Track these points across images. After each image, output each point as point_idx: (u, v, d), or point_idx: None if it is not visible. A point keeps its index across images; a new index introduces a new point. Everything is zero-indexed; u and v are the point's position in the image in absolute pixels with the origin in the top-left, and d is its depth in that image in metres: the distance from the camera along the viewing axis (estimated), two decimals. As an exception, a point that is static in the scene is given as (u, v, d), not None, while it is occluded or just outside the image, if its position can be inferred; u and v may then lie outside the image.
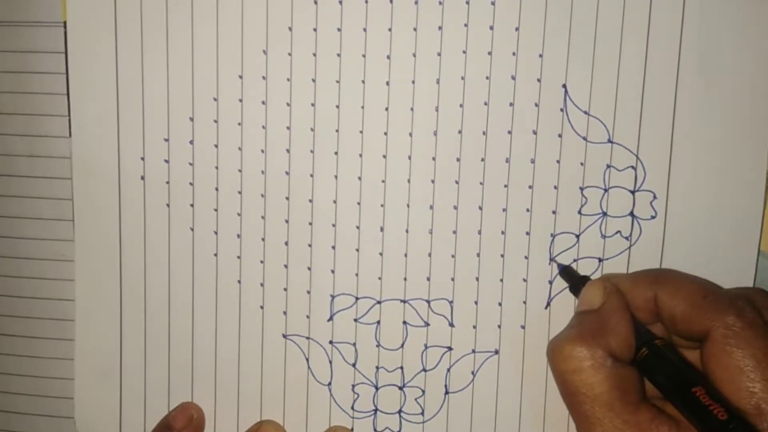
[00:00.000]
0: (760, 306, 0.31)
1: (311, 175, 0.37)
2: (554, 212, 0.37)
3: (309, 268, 0.38)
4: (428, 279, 0.38)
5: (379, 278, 0.38)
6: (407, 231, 0.38)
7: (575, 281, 0.36)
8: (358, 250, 0.38)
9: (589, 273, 0.37)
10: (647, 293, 0.33)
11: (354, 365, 0.39)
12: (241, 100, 0.37)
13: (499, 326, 0.38)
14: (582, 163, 0.36)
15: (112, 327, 0.39)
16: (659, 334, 0.33)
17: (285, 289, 0.38)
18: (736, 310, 0.30)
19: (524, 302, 0.38)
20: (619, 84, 0.36)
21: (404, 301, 0.38)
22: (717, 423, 0.29)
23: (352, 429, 0.39)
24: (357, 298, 0.38)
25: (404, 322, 0.38)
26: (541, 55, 0.36)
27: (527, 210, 0.37)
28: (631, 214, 0.37)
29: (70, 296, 0.39)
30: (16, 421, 0.40)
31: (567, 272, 0.37)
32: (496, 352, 0.38)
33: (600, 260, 0.37)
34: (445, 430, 0.39)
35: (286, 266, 0.38)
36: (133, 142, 0.38)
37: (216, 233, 0.38)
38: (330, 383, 0.39)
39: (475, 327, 0.38)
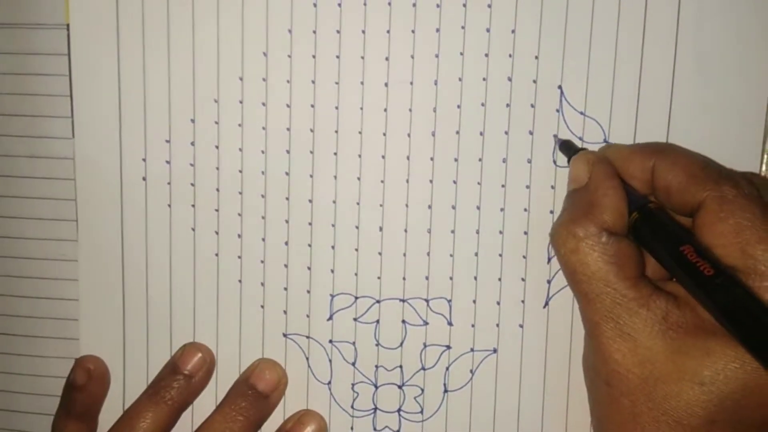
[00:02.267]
0: (758, 183, 0.31)
1: (311, 176, 0.38)
2: (551, 212, 0.37)
3: (309, 268, 0.38)
4: (427, 278, 0.38)
5: (378, 278, 0.38)
6: (406, 231, 0.38)
7: (572, 153, 0.35)
8: (357, 249, 0.38)
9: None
10: (646, 162, 0.32)
11: (353, 364, 0.39)
12: (241, 102, 0.38)
13: (498, 325, 0.38)
14: (579, 163, 0.37)
15: (115, 326, 0.39)
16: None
17: (285, 289, 0.39)
18: (732, 181, 0.30)
19: (522, 301, 0.38)
20: (614, 84, 0.36)
21: (403, 301, 0.38)
22: (703, 279, 0.28)
23: (352, 428, 0.39)
24: (356, 298, 0.38)
25: (403, 322, 0.38)
26: (536, 57, 0.36)
27: (525, 210, 0.37)
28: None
29: (72, 296, 0.39)
30: (19, 420, 0.40)
31: (566, 146, 0.36)
32: (495, 350, 0.38)
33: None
34: (444, 429, 0.39)
35: (286, 266, 0.38)
36: (134, 143, 0.38)
37: (217, 233, 0.39)
38: (330, 382, 0.39)
39: (473, 326, 0.38)
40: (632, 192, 0.32)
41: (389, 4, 0.36)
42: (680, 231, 0.31)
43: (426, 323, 0.38)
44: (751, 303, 0.27)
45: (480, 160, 0.37)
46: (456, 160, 0.37)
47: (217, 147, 0.38)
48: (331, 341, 0.39)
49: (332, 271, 0.38)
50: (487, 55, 0.36)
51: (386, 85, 0.37)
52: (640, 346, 0.30)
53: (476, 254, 0.38)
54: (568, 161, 0.35)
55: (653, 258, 0.32)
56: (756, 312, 0.27)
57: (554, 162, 0.37)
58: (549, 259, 0.37)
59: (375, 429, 0.39)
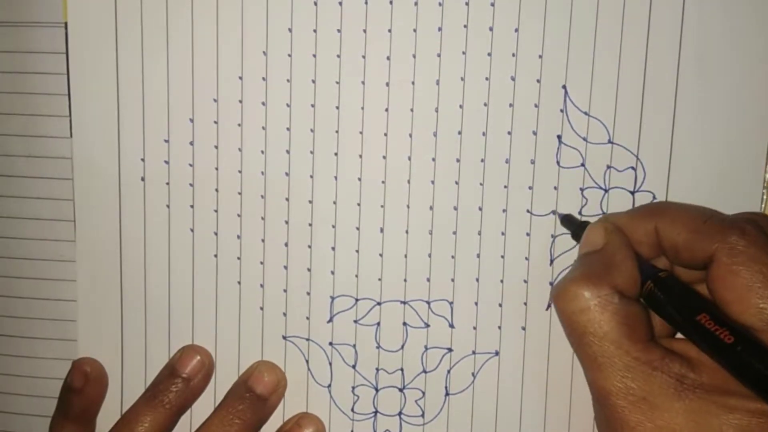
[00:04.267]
0: (763, 225, 0.30)
1: (311, 176, 0.37)
2: (554, 213, 0.37)
3: (309, 270, 0.38)
4: (428, 280, 0.38)
5: (379, 279, 0.38)
6: (407, 232, 0.38)
7: (576, 227, 0.35)
8: (357, 251, 0.38)
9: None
10: (647, 226, 0.32)
11: (354, 367, 0.39)
12: (241, 101, 0.37)
13: (500, 327, 0.38)
14: (582, 164, 0.36)
15: (113, 327, 0.39)
16: (663, 267, 0.33)
17: (285, 291, 0.38)
18: (738, 230, 0.29)
19: (525, 303, 0.37)
20: (619, 84, 0.36)
21: (404, 303, 0.38)
22: (724, 347, 0.28)
23: (352, 431, 0.39)
24: (357, 300, 0.38)
25: (404, 324, 0.38)
26: (540, 56, 0.36)
27: (527, 211, 0.37)
28: (632, 214, 0.37)
29: (69, 297, 0.39)
30: (16, 421, 0.40)
31: (568, 219, 0.36)
32: (497, 353, 0.38)
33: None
34: (445, 432, 0.39)
35: (286, 267, 0.38)
36: (133, 143, 0.38)
37: (216, 234, 0.38)
38: (330, 385, 0.39)
39: (475, 328, 0.38)
40: (642, 261, 0.32)
41: (390, 2, 0.36)
42: (695, 298, 0.30)
43: (427, 325, 0.38)
44: None
45: (482, 160, 0.37)
46: (458, 160, 0.37)
47: (216, 147, 0.38)
48: (331, 343, 0.38)
49: (332, 272, 0.38)
50: (489, 54, 0.36)
51: (387, 84, 0.37)
52: (656, 410, 0.29)
53: (478, 256, 0.37)
54: (572, 235, 0.36)
55: (670, 326, 0.32)
56: None
57: (558, 163, 0.36)
58: (551, 261, 0.37)
59: (375, 432, 0.39)
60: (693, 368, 0.29)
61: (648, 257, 0.32)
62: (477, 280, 0.37)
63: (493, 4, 0.36)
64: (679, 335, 0.32)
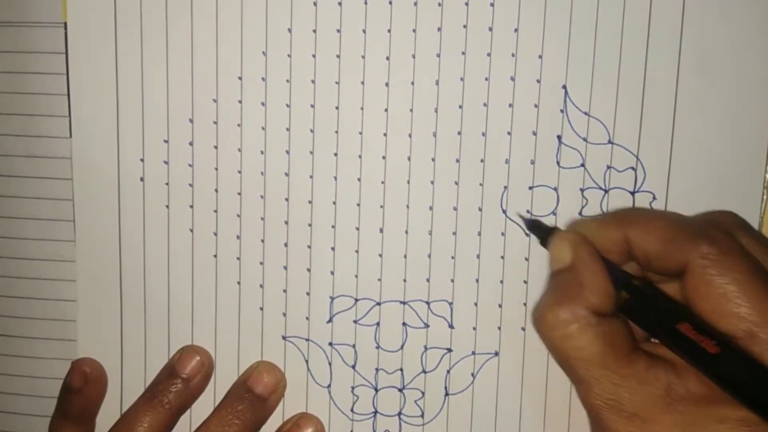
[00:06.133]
0: (732, 229, 0.31)
1: (311, 177, 0.37)
2: (554, 213, 0.37)
3: (308, 270, 0.38)
4: (428, 280, 0.38)
5: (379, 279, 0.38)
6: (407, 232, 0.37)
7: (545, 234, 0.35)
8: (357, 251, 0.38)
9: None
10: (617, 235, 0.32)
11: (353, 367, 0.39)
12: (240, 102, 0.37)
13: (499, 328, 0.38)
14: (582, 165, 0.36)
15: (113, 327, 0.39)
16: (634, 272, 0.32)
17: (284, 291, 0.38)
18: (708, 238, 0.29)
19: (524, 304, 0.37)
20: (619, 85, 0.36)
21: (404, 303, 0.38)
22: (708, 357, 0.28)
23: (351, 431, 0.39)
24: (356, 300, 0.38)
25: (404, 324, 0.38)
26: (540, 56, 0.36)
27: (528, 211, 0.37)
28: (632, 215, 0.36)
29: (69, 297, 0.39)
30: (15, 421, 0.40)
31: (535, 225, 0.36)
32: (496, 353, 0.38)
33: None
34: (444, 433, 0.39)
35: (285, 268, 0.38)
36: (132, 143, 0.38)
37: (215, 234, 0.38)
38: (329, 385, 0.39)
39: (475, 329, 0.38)
40: (614, 269, 0.32)
41: (390, 2, 0.36)
42: (674, 307, 0.30)
43: (427, 326, 0.38)
44: (761, 374, 0.27)
45: (482, 161, 0.37)
46: (458, 161, 0.37)
47: (216, 147, 0.38)
48: (330, 344, 0.38)
49: (332, 272, 0.38)
50: (489, 54, 0.36)
51: (387, 84, 0.36)
52: (648, 424, 0.29)
53: (478, 256, 0.37)
54: (541, 242, 0.35)
55: (650, 334, 0.32)
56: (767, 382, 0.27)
57: (558, 163, 0.36)
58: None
59: (375, 432, 0.39)
60: (678, 373, 0.29)
61: (618, 263, 0.32)
62: (477, 280, 0.37)
63: (492, 4, 0.36)
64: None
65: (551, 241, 0.33)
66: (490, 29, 0.36)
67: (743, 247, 0.30)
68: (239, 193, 0.38)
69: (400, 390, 0.39)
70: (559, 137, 0.36)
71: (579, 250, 0.32)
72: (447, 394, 0.38)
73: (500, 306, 0.38)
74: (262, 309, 0.38)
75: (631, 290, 0.31)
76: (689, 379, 0.29)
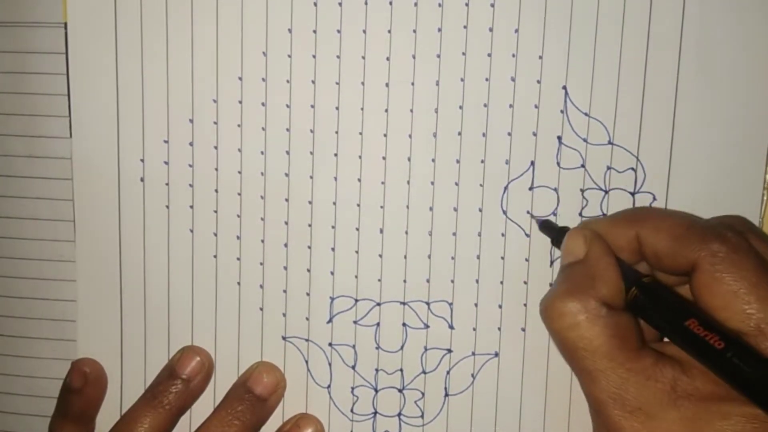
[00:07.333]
0: (742, 230, 0.31)
1: (311, 177, 0.37)
2: (555, 214, 0.37)
3: (308, 270, 0.38)
4: (428, 281, 0.38)
5: (379, 280, 0.38)
6: (407, 233, 0.37)
7: (556, 233, 0.35)
8: (357, 251, 0.38)
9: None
10: (628, 233, 0.32)
11: (353, 367, 0.39)
12: (240, 102, 0.37)
13: (499, 329, 0.38)
14: (582, 165, 0.36)
15: (113, 328, 0.39)
16: (644, 272, 0.32)
17: (284, 291, 0.38)
18: (719, 237, 0.30)
19: (524, 304, 0.37)
20: (619, 85, 0.36)
21: (404, 303, 0.38)
22: (714, 353, 0.28)
23: (352, 432, 0.39)
24: (356, 300, 0.38)
25: (404, 324, 0.38)
26: (540, 57, 0.36)
27: (527, 212, 0.37)
28: (632, 216, 0.36)
29: (69, 297, 0.39)
30: (15, 421, 0.40)
31: (547, 225, 0.36)
32: (496, 354, 0.38)
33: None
34: (444, 433, 0.39)
35: (285, 268, 0.38)
36: (132, 143, 0.38)
37: (215, 235, 0.38)
38: (329, 386, 0.39)
39: (475, 329, 0.38)
40: (624, 267, 0.32)
41: (390, 3, 0.36)
42: (682, 304, 0.30)
43: (427, 326, 0.38)
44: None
45: (482, 161, 0.37)
46: (458, 161, 0.37)
47: (216, 147, 0.38)
48: (330, 344, 0.38)
49: (332, 273, 0.38)
50: (489, 55, 0.36)
51: (387, 85, 0.36)
52: (653, 419, 0.29)
53: (478, 257, 0.37)
54: (552, 241, 0.35)
55: (658, 331, 0.32)
56: None
57: (558, 164, 0.36)
58: (551, 262, 0.37)
59: (375, 433, 0.39)
60: (685, 371, 0.29)
61: (629, 262, 0.32)
62: (477, 281, 0.37)
63: (493, 5, 0.36)
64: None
65: (567, 235, 0.33)
66: (491, 30, 0.36)
67: (753, 247, 0.30)
68: (239, 194, 0.38)
69: (400, 390, 0.39)
70: (559, 138, 0.36)
71: (593, 244, 0.32)
72: (447, 395, 0.38)
73: (500, 307, 0.37)
74: (262, 309, 0.38)
75: (640, 287, 0.31)
76: (696, 377, 0.29)
